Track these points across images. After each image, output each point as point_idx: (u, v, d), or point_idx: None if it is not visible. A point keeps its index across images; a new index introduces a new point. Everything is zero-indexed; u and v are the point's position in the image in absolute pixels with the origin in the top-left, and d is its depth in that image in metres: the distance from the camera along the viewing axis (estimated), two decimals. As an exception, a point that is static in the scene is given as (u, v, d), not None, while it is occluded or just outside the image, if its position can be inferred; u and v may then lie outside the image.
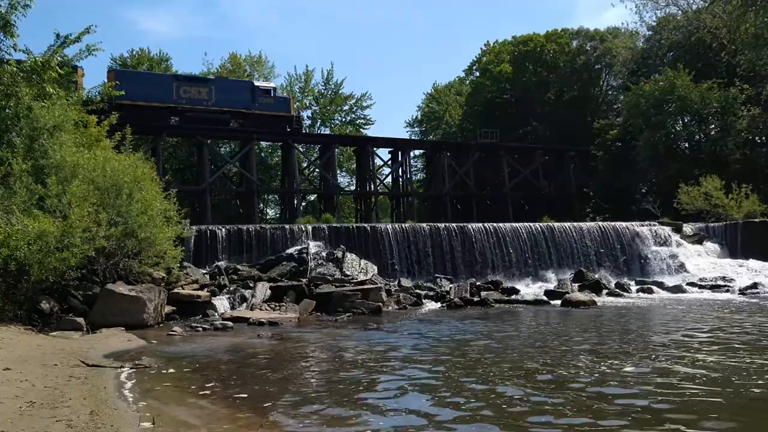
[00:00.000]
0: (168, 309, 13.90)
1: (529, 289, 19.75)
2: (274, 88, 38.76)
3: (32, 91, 13.60)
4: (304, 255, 19.29)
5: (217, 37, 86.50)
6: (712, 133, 34.55)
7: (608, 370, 7.77)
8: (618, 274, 22.41)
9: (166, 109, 33.78)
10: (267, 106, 36.00)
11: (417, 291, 18.34)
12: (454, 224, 23.30)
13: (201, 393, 7.01)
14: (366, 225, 23.12)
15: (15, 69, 13.29)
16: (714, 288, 20.00)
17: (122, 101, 30.33)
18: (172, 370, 8.30)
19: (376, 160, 41.61)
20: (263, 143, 44.05)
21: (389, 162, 42.86)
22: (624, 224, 24.83)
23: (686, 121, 34.95)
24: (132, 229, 13.75)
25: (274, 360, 9.35)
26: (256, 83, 38.03)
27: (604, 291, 19.57)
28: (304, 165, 44.80)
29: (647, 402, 6.20)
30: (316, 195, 43.67)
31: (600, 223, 25.54)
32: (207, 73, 45.97)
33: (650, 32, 42.40)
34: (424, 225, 22.80)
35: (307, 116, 49.18)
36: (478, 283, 19.47)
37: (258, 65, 49.06)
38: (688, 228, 25.87)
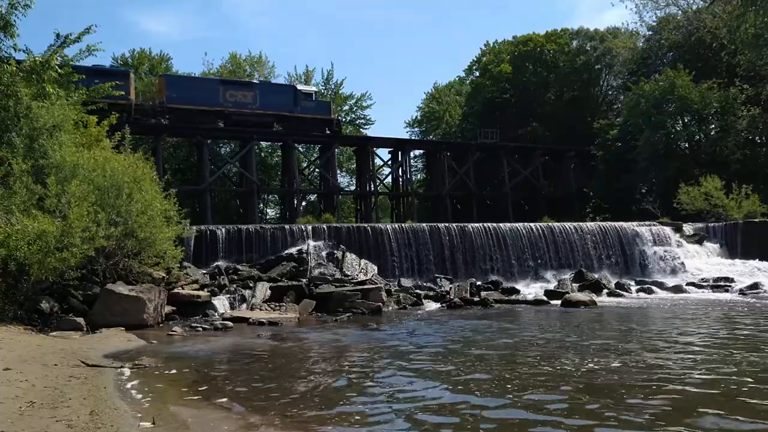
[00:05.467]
0: (168, 309, 13.90)
1: (529, 289, 19.73)
2: (316, 92, 39.62)
3: (31, 90, 13.60)
4: (304, 255, 19.29)
5: (218, 37, 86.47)
6: (712, 133, 34.52)
7: (609, 370, 7.77)
8: (618, 274, 22.38)
9: (214, 112, 34.54)
10: (308, 109, 36.69)
11: (417, 291, 18.32)
12: (454, 224, 23.27)
13: (201, 393, 7.01)
14: (366, 225, 23.11)
15: (14, 69, 13.29)
16: (714, 288, 20.00)
17: (172, 105, 32.67)
18: (172, 371, 8.30)
19: (376, 160, 41.64)
20: (263, 143, 44.07)
21: (389, 162, 42.86)
22: (624, 224, 24.80)
23: (686, 121, 34.93)
24: (132, 229, 13.74)
25: (274, 360, 9.35)
26: (299, 87, 38.64)
27: (604, 291, 19.56)
28: (304, 165, 44.81)
29: (641, 400, 6.20)
30: (316, 195, 43.67)
31: (600, 223, 25.51)
32: (207, 73, 46.01)
33: (650, 32, 42.39)
34: (424, 225, 22.77)
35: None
36: (478, 283, 19.47)
37: (258, 65, 49.07)
38: (688, 228, 25.86)
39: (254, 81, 39.89)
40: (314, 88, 40.56)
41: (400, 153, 41.37)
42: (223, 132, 36.64)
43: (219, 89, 34.95)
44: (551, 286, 19.94)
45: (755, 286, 19.30)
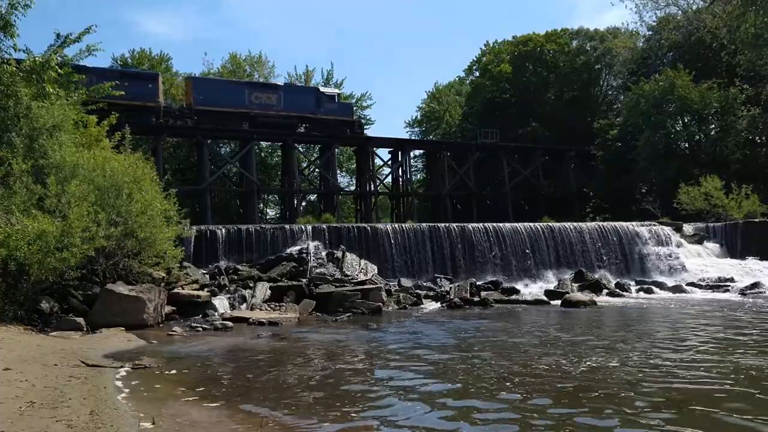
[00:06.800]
0: (168, 309, 13.89)
1: (529, 289, 19.74)
2: (338, 94, 40.43)
3: (31, 90, 13.59)
4: (304, 255, 19.28)
5: (218, 37, 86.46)
6: (712, 133, 34.54)
7: (608, 370, 7.77)
8: (618, 274, 22.39)
9: (240, 114, 35.27)
10: (331, 111, 37.48)
11: (417, 291, 18.32)
12: (454, 224, 23.28)
13: (201, 393, 7.01)
14: (366, 225, 23.11)
15: (14, 69, 13.28)
16: (714, 288, 19.99)
17: (199, 107, 33.47)
18: (172, 371, 8.30)
19: (376, 160, 41.65)
20: (263, 143, 44.06)
21: (389, 162, 42.86)
22: (624, 224, 24.81)
23: (686, 121, 34.94)
24: (132, 229, 13.74)
25: (274, 360, 9.35)
26: (321, 89, 39.34)
27: (604, 291, 19.56)
28: (304, 165, 44.81)
29: (640, 400, 6.21)
30: (316, 195, 43.68)
31: (600, 223, 25.51)
32: (207, 73, 46.02)
33: (650, 32, 42.42)
34: (424, 225, 22.78)
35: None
36: (478, 283, 19.45)
37: (258, 65, 49.07)
38: (688, 228, 25.86)
39: (278, 83, 40.61)
40: (337, 90, 41.18)
41: (400, 153, 41.38)
42: (226, 132, 36.91)
43: (245, 91, 35.71)
44: (551, 286, 19.94)
45: (755, 286, 19.28)
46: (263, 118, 35.69)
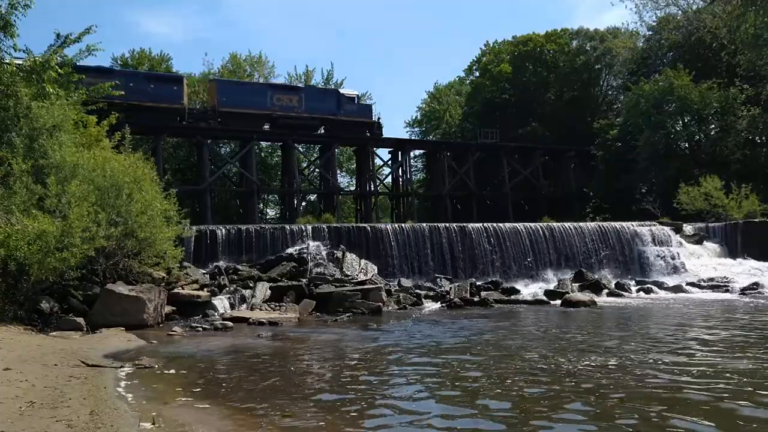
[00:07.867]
0: (168, 309, 13.89)
1: (529, 289, 19.73)
2: (358, 96, 40.74)
3: (31, 90, 13.59)
4: (304, 255, 19.29)
5: (218, 37, 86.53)
6: (712, 133, 34.54)
7: (608, 371, 7.77)
8: (618, 274, 22.40)
9: (262, 116, 35.99)
10: (351, 112, 38.08)
11: (417, 291, 18.32)
12: (454, 224, 23.28)
13: (201, 393, 7.01)
14: (366, 225, 23.11)
15: (14, 69, 13.28)
16: (714, 288, 20.00)
17: (223, 108, 34.36)
18: (172, 371, 8.30)
19: (376, 160, 41.66)
20: (263, 143, 44.08)
21: (389, 162, 42.86)
22: (624, 224, 24.81)
23: (686, 121, 34.95)
24: (132, 229, 13.74)
25: (274, 360, 9.35)
26: (341, 91, 39.95)
27: (604, 291, 19.57)
28: (304, 165, 44.82)
29: (639, 401, 6.21)
30: (316, 195, 43.69)
31: (600, 223, 25.52)
32: (207, 73, 46.04)
33: (650, 32, 42.43)
34: (424, 225, 22.78)
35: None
36: (478, 283, 19.46)
37: (258, 65, 49.09)
38: (688, 228, 25.86)
39: (300, 85, 41.30)
40: (356, 92, 41.31)
41: (400, 153, 41.39)
42: (224, 132, 37.09)
43: (267, 93, 36.31)
44: (551, 286, 19.94)
45: (755, 286, 19.30)
46: (285, 119, 36.25)
